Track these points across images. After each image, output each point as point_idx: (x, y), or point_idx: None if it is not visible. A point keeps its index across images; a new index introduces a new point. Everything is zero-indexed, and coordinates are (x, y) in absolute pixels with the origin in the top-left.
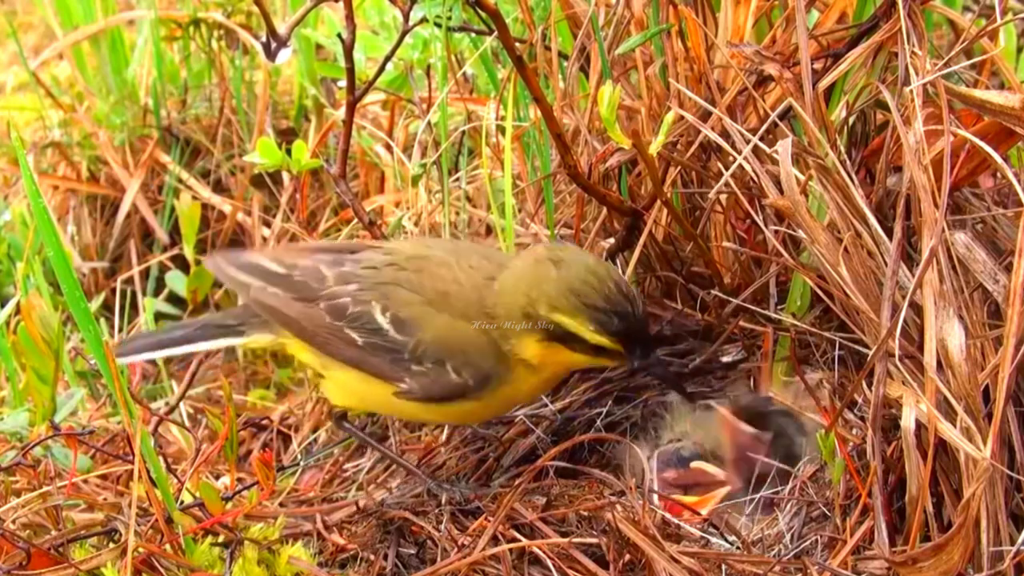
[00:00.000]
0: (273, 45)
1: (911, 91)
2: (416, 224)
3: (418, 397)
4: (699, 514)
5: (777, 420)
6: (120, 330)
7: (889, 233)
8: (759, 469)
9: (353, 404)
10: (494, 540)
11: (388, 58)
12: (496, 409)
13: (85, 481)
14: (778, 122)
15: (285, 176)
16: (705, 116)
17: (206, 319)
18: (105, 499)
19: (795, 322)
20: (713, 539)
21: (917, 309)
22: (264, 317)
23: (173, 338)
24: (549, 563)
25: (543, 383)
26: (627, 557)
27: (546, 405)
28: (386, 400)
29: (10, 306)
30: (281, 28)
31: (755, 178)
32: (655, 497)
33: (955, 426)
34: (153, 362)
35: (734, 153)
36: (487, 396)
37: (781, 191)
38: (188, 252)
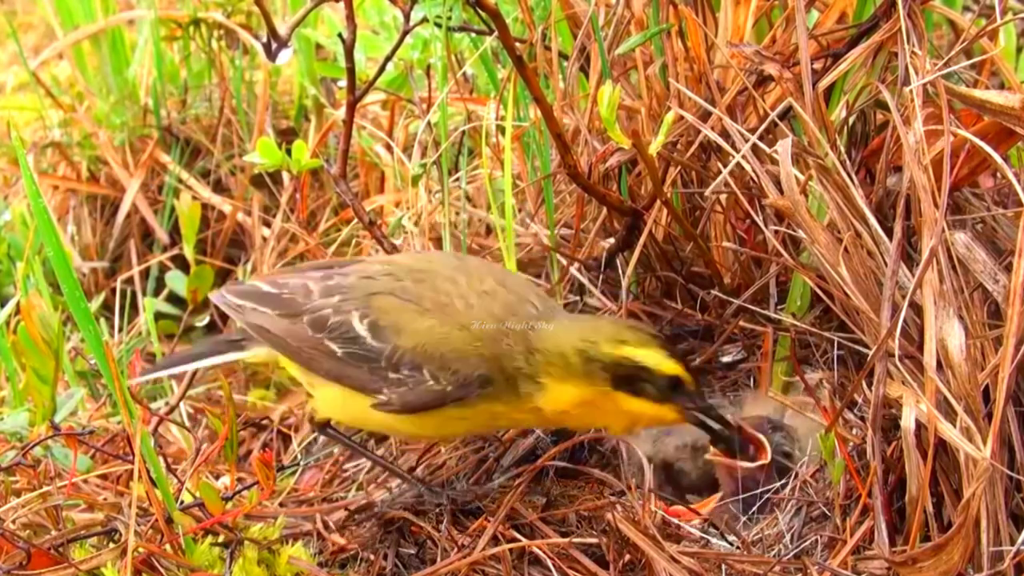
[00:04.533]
0: (274, 45)
1: (911, 91)
2: (416, 224)
3: (395, 409)
4: (699, 514)
5: (775, 440)
6: (120, 330)
7: (889, 233)
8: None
9: (339, 419)
10: (494, 540)
11: (388, 58)
12: (480, 425)
13: (85, 481)
14: (778, 122)
15: (285, 176)
16: (705, 116)
17: (215, 338)
18: (105, 499)
19: (795, 322)
20: (713, 539)
21: (917, 309)
22: (258, 338)
23: (184, 356)
24: (549, 563)
25: (545, 424)
26: (627, 557)
27: None
28: (366, 414)
29: (10, 306)
30: (282, 28)
31: (755, 178)
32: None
33: (955, 426)
34: (153, 362)
35: (734, 153)
36: (471, 408)
37: (781, 191)
38: (188, 252)
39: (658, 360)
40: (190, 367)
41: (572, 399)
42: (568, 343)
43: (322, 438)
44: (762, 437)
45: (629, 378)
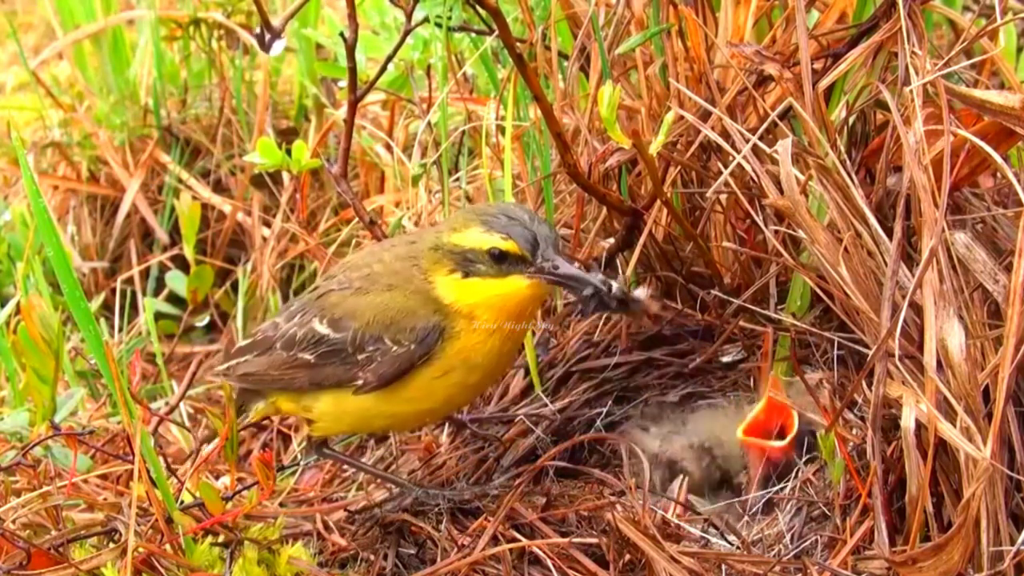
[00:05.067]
0: (268, 37)
1: (911, 91)
2: (416, 224)
3: (374, 384)
4: (699, 513)
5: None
6: (120, 330)
7: (889, 233)
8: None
9: (342, 429)
10: (494, 540)
11: (390, 58)
12: (460, 378)
13: (85, 481)
14: (778, 122)
15: (285, 176)
16: (705, 116)
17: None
18: (105, 499)
19: (795, 322)
20: (713, 539)
21: (917, 309)
22: (249, 387)
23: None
24: (549, 563)
25: (492, 336)
26: (627, 557)
27: (546, 405)
28: (356, 407)
29: (10, 306)
30: (276, 21)
31: (755, 178)
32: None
33: (955, 426)
34: (153, 362)
35: (734, 153)
36: (439, 359)
37: (781, 191)
38: (188, 252)
39: (475, 238)
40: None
41: (450, 288)
42: (428, 241)
43: None
44: (792, 406)
45: (467, 263)
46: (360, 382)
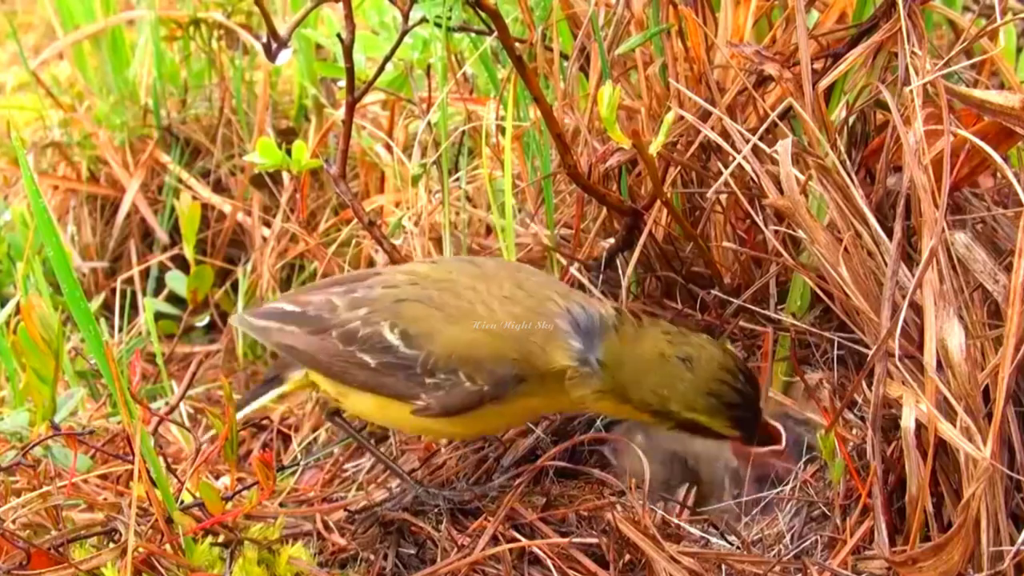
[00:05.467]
0: (274, 46)
1: (911, 91)
2: (416, 224)
3: (436, 413)
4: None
5: (794, 429)
6: (120, 330)
7: (889, 233)
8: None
9: (375, 422)
10: (494, 540)
11: (388, 58)
12: (520, 418)
13: (85, 481)
14: (778, 122)
15: (285, 176)
16: (705, 116)
17: (253, 388)
18: (105, 499)
19: (795, 322)
20: (713, 539)
21: (917, 309)
22: (286, 357)
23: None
24: (549, 563)
25: (584, 411)
26: (627, 557)
27: None
28: (406, 420)
29: (10, 306)
30: (282, 28)
31: (755, 178)
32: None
33: (955, 426)
34: (153, 362)
35: (734, 153)
36: (509, 404)
37: (781, 191)
38: (188, 252)
39: (721, 427)
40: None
41: (626, 415)
42: (639, 389)
43: (322, 437)
44: (779, 426)
45: (692, 427)
46: (422, 404)
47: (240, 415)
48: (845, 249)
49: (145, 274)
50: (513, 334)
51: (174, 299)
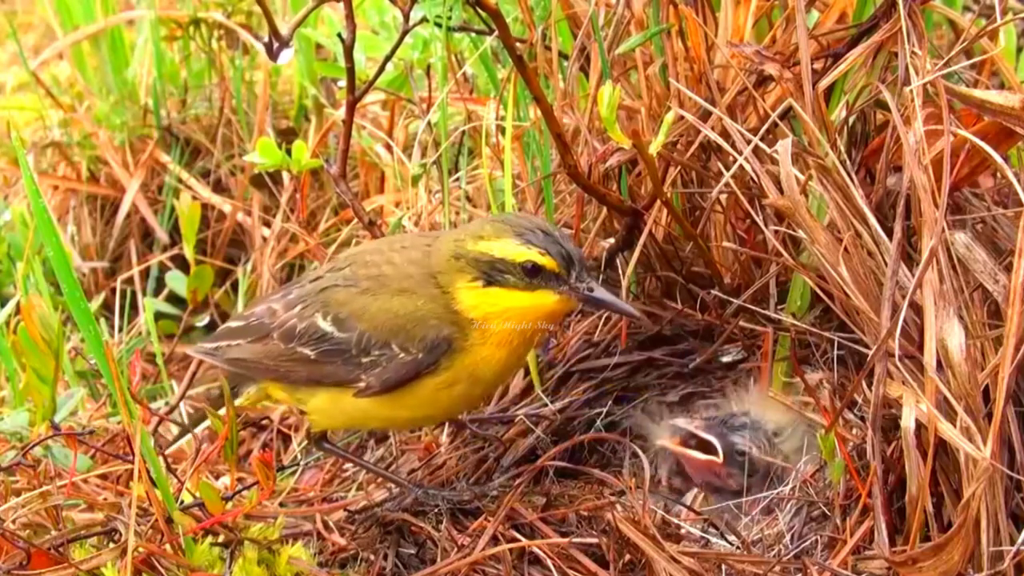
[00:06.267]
0: (275, 45)
1: (911, 91)
2: (416, 224)
3: (377, 390)
4: (698, 513)
5: (728, 439)
6: (120, 330)
7: (889, 233)
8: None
9: (336, 425)
10: (494, 540)
11: (388, 58)
12: (465, 390)
13: (85, 481)
14: (778, 122)
15: (285, 176)
16: (705, 116)
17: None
18: (105, 499)
19: (795, 322)
20: (713, 539)
21: (917, 309)
22: (239, 372)
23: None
24: (549, 563)
25: (501, 349)
26: (627, 557)
27: (546, 405)
28: (356, 408)
29: (10, 306)
30: (282, 28)
31: (755, 178)
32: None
33: (955, 426)
34: (153, 362)
35: (734, 153)
36: (446, 370)
37: (781, 191)
38: (188, 252)
39: (509, 249)
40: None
41: (470, 297)
42: (447, 248)
43: None
44: (712, 439)
45: (494, 272)
46: (362, 385)
47: (197, 430)
48: (845, 249)
49: (145, 274)
50: (418, 284)
51: (174, 299)
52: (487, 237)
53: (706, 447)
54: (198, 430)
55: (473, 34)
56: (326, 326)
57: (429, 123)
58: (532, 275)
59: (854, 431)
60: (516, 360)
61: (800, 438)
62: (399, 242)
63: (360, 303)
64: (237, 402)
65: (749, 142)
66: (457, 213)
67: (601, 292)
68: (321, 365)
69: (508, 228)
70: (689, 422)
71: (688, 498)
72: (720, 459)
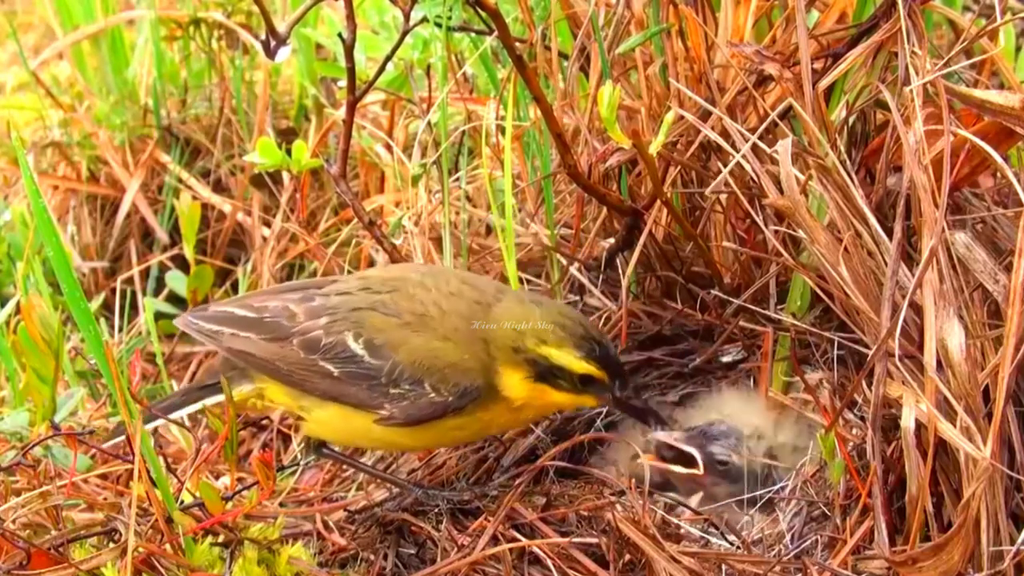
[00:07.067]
0: (272, 43)
1: (911, 91)
2: (416, 224)
3: (399, 422)
4: (698, 513)
5: (707, 450)
6: (120, 330)
7: (889, 233)
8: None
9: (333, 438)
10: (494, 540)
11: (388, 58)
12: (474, 433)
13: (85, 481)
14: (778, 122)
15: (285, 176)
16: (705, 116)
17: (185, 387)
18: (105, 499)
19: (795, 322)
20: (713, 539)
21: (917, 309)
22: (240, 365)
23: (164, 407)
24: (549, 563)
25: (521, 422)
26: (627, 557)
27: None
28: (367, 431)
29: (10, 306)
30: (281, 27)
31: (755, 178)
32: None
33: (955, 426)
34: (153, 362)
35: (734, 153)
36: (468, 415)
37: (781, 191)
38: (188, 252)
39: (570, 361)
40: (176, 414)
41: (518, 386)
42: (506, 336)
43: None
44: (692, 451)
45: (548, 374)
46: (385, 413)
47: (175, 415)
48: (845, 249)
49: (145, 274)
50: (464, 338)
51: (174, 299)
52: (549, 344)
53: (688, 459)
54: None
55: (473, 34)
56: (357, 348)
57: (429, 123)
58: (584, 383)
59: (854, 431)
60: (525, 426)
61: (789, 434)
62: (445, 285)
63: (400, 335)
64: (223, 399)
65: (749, 142)
66: (457, 213)
67: (640, 402)
68: (343, 384)
69: (568, 338)
70: (668, 435)
71: (692, 501)
72: (701, 471)
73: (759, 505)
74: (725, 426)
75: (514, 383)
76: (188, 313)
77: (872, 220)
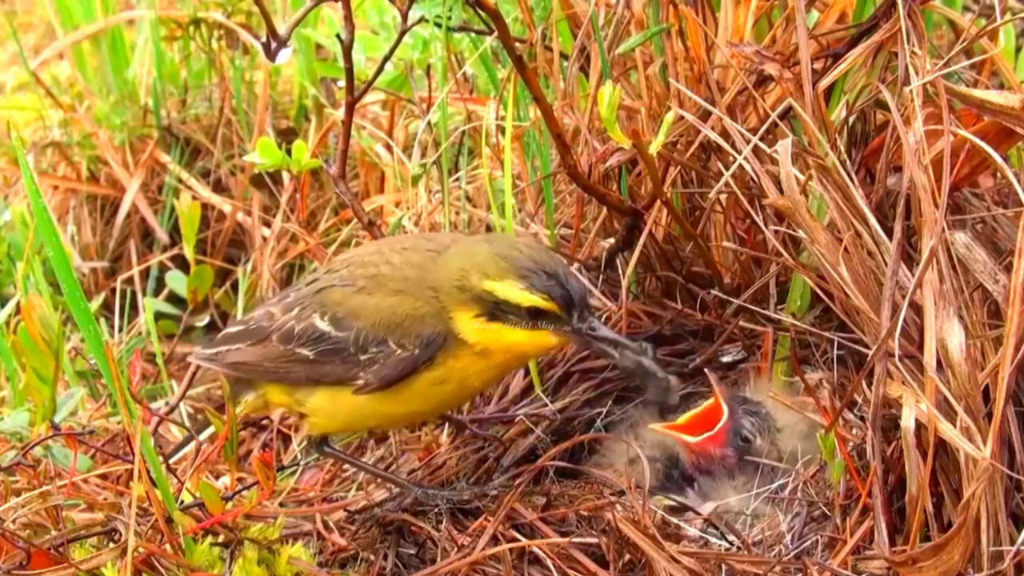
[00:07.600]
0: (273, 45)
1: (911, 91)
2: (416, 224)
3: (376, 386)
4: (698, 513)
5: (738, 420)
6: (120, 330)
7: (889, 233)
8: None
9: (335, 426)
10: (494, 540)
11: (387, 58)
12: (455, 389)
13: (85, 481)
14: (778, 122)
15: (285, 176)
16: (705, 116)
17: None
18: (105, 499)
19: (795, 322)
20: (713, 539)
21: (917, 309)
22: (240, 376)
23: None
24: (549, 563)
25: (494, 368)
26: (627, 557)
27: (546, 405)
28: (355, 407)
29: (10, 306)
30: (281, 28)
31: (755, 178)
32: None
33: (955, 426)
34: (153, 362)
35: (734, 153)
36: (440, 366)
37: (781, 191)
38: (188, 252)
39: (514, 293)
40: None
41: (472, 328)
42: (452, 275)
43: None
44: (724, 405)
45: (497, 311)
46: (361, 382)
47: (202, 436)
48: (845, 249)
49: (145, 274)
50: (414, 287)
51: (174, 299)
52: (492, 276)
53: (703, 423)
54: (203, 436)
55: (473, 34)
56: (324, 326)
57: (429, 123)
58: (535, 317)
59: (854, 431)
60: (506, 373)
61: (796, 442)
62: (399, 243)
63: (357, 301)
64: (236, 410)
65: (749, 142)
66: (457, 213)
67: (605, 331)
68: (320, 365)
69: (510, 267)
70: (716, 380)
71: (704, 508)
72: (723, 420)
73: (758, 502)
74: (764, 408)
75: (468, 325)
76: (197, 346)
77: (872, 220)
